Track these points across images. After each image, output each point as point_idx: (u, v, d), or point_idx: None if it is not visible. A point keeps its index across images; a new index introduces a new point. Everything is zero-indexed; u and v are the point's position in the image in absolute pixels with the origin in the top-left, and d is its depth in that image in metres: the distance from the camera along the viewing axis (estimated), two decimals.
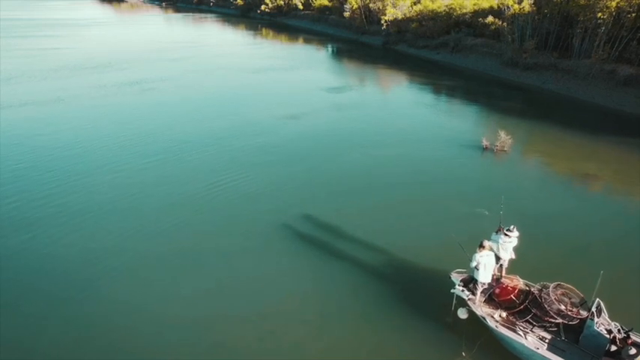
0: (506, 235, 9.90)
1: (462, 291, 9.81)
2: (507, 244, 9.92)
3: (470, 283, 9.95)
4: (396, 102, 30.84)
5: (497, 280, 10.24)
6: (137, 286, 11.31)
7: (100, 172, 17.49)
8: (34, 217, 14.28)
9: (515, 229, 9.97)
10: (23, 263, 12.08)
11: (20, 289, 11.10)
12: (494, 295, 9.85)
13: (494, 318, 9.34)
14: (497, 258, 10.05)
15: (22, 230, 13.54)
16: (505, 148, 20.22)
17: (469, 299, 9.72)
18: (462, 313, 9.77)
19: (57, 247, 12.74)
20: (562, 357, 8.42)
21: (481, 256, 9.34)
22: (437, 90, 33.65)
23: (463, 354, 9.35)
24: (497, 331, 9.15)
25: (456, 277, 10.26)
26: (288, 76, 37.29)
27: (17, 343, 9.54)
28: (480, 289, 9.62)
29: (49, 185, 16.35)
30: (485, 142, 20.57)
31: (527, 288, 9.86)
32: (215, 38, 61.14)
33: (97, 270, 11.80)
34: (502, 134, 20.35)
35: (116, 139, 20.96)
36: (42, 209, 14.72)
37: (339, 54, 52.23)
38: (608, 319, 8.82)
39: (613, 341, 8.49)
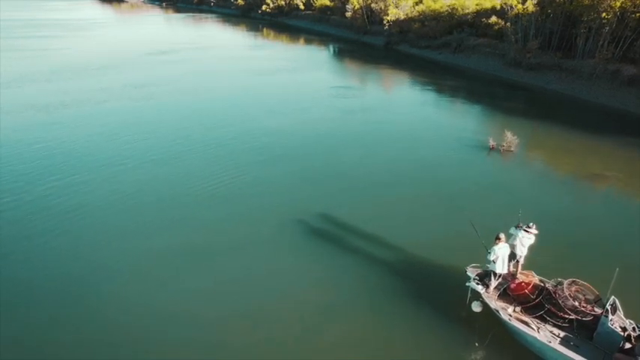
0: (526, 231, 10.06)
1: (477, 284, 9.98)
2: (526, 240, 10.09)
3: (485, 277, 10.12)
4: (400, 103, 30.86)
5: (512, 275, 10.38)
6: (141, 283, 11.26)
7: (103, 171, 17.48)
8: (37, 215, 14.23)
9: (534, 227, 10.13)
10: (24, 262, 12.01)
11: (21, 288, 11.03)
12: (509, 290, 9.99)
13: (507, 312, 9.44)
14: (513, 254, 10.18)
15: (23, 229, 13.46)
16: (512, 148, 20.27)
17: (483, 293, 9.88)
18: (476, 306, 9.89)
19: (59, 245, 12.71)
20: (575, 352, 8.47)
21: (499, 249, 9.62)
22: (440, 90, 33.69)
23: (476, 344, 9.51)
24: (510, 324, 9.26)
25: (471, 271, 10.44)
26: (291, 78, 37.18)
27: (18, 342, 9.47)
28: (494, 282, 9.81)
29: (52, 184, 16.32)
30: (491, 142, 20.63)
31: (542, 284, 9.96)
32: (216, 39, 61.05)
33: (99, 268, 11.76)
34: (508, 134, 20.42)
35: (121, 140, 20.95)
36: (44, 208, 14.68)
37: (341, 54, 52.29)
38: (623, 317, 8.88)
39: (628, 339, 8.53)
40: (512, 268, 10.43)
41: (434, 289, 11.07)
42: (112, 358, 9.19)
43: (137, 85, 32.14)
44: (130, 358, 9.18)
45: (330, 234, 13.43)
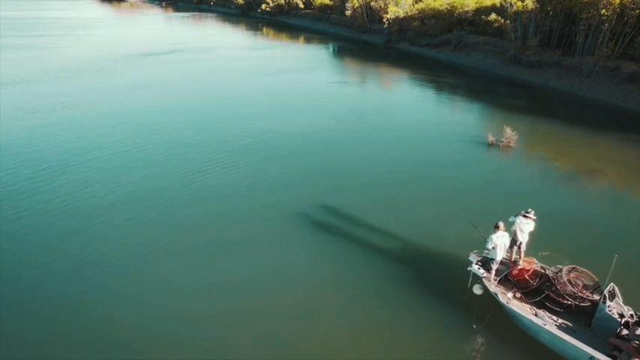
0: (524, 216, 10.19)
1: (478, 269, 10.19)
2: (524, 226, 10.19)
3: (487, 262, 10.28)
4: (400, 100, 30.91)
5: (514, 262, 10.53)
6: (142, 281, 11.13)
7: (103, 170, 17.42)
8: (36, 214, 14.16)
9: (533, 213, 10.25)
10: (23, 260, 11.88)
11: (22, 287, 10.89)
12: (510, 276, 10.15)
13: (506, 295, 9.60)
14: (514, 240, 10.30)
15: (21, 228, 13.35)
16: (511, 144, 20.34)
17: (484, 277, 10.06)
18: (477, 289, 10.07)
19: (58, 244, 12.60)
20: (571, 336, 8.56)
21: (497, 237, 9.79)
22: (440, 88, 33.77)
23: (474, 326, 9.70)
24: (507, 307, 9.42)
25: (474, 256, 10.66)
26: (291, 78, 36.89)
27: (19, 341, 9.35)
28: (494, 267, 10.00)
29: (51, 184, 16.21)
30: (491, 138, 20.72)
31: (543, 270, 10.10)
32: (216, 39, 60.93)
33: (99, 266, 11.66)
34: (508, 130, 20.50)
35: (120, 139, 20.80)
36: (43, 206, 14.60)
37: (341, 53, 52.32)
38: (622, 304, 8.96)
39: (625, 325, 8.63)
40: (514, 255, 10.56)
41: (436, 277, 11.24)
42: (112, 357, 9.05)
43: (136, 86, 31.99)
44: (130, 356, 9.05)
45: (337, 229, 13.43)
